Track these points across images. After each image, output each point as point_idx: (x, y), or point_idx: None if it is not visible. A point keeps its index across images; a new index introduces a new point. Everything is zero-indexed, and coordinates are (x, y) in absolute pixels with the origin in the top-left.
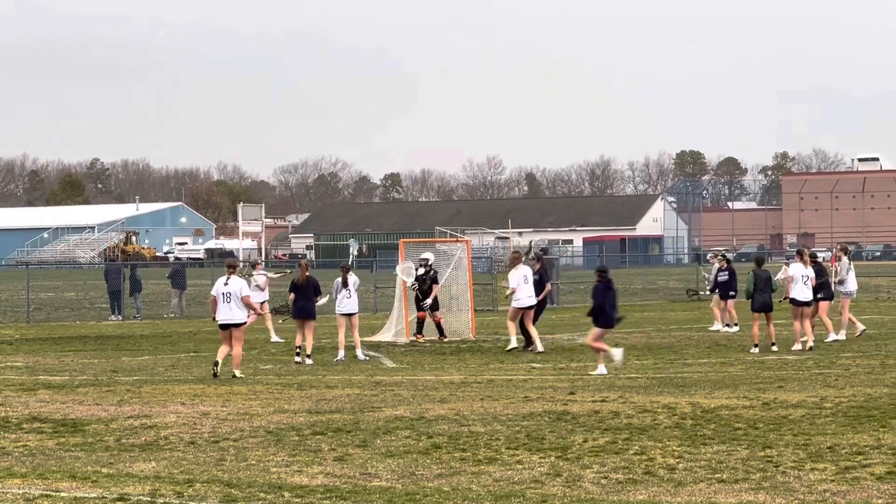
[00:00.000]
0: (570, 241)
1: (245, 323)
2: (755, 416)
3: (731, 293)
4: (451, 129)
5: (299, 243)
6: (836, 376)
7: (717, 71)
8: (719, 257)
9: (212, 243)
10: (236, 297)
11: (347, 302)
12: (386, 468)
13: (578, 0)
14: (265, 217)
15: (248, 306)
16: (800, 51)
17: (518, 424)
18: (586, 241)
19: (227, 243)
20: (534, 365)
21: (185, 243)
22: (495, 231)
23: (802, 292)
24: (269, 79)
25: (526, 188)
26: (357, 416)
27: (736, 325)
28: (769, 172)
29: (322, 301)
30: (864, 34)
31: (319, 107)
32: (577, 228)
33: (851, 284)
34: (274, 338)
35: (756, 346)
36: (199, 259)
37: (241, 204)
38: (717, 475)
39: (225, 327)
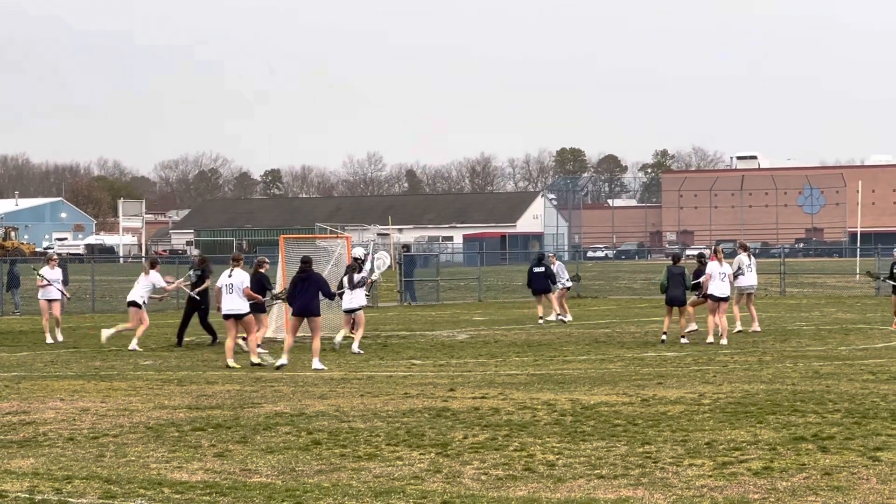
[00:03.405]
0: (450, 238)
1: (248, 313)
2: (634, 413)
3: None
4: (332, 125)
5: (179, 239)
6: (715, 373)
7: (598, 68)
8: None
9: (92, 239)
10: (238, 289)
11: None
12: (266, 464)
13: None
14: (145, 213)
15: (249, 297)
16: (677, 48)
17: (398, 421)
18: (466, 238)
19: (108, 239)
20: (414, 361)
21: (65, 239)
22: (375, 227)
23: (719, 288)
24: (150, 74)
25: (406, 185)
26: (237, 412)
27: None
28: (649, 170)
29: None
30: (737, 31)
31: (200, 103)
32: (457, 225)
33: (746, 280)
34: (49, 339)
35: (664, 335)
36: (78, 255)
37: (122, 199)
38: (596, 471)
39: (228, 317)
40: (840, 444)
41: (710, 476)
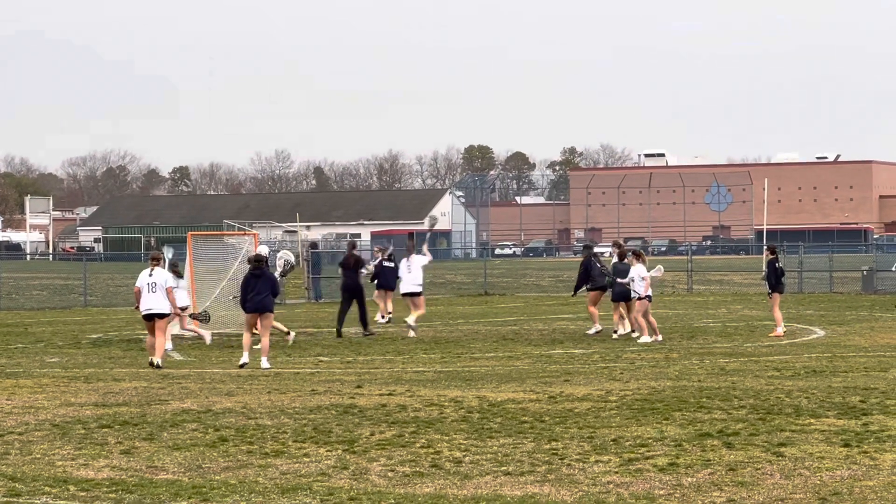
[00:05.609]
0: (358, 236)
1: (169, 314)
2: (541, 410)
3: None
4: (240, 122)
5: (87, 236)
6: (622, 370)
7: (505, 65)
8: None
9: None
10: (161, 288)
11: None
12: (173, 461)
13: None
14: (53, 210)
15: (170, 300)
16: (583, 44)
17: (305, 417)
18: (374, 235)
19: (14, 236)
20: (321, 358)
21: None
22: (283, 225)
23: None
24: (54, 70)
25: (314, 182)
26: (144, 408)
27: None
28: (557, 167)
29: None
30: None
31: (106, 99)
32: (365, 222)
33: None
34: None
35: (616, 331)
36: None
37: (29, 196)
38: (503, 468)
39: (150, 318)
40: (745, 440)
41: (616, 472)
